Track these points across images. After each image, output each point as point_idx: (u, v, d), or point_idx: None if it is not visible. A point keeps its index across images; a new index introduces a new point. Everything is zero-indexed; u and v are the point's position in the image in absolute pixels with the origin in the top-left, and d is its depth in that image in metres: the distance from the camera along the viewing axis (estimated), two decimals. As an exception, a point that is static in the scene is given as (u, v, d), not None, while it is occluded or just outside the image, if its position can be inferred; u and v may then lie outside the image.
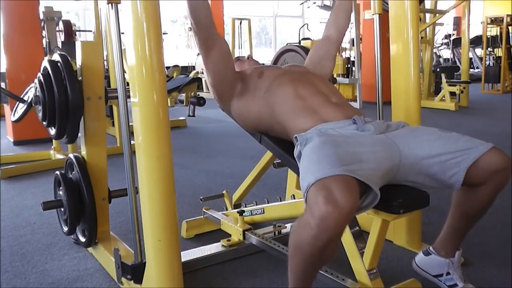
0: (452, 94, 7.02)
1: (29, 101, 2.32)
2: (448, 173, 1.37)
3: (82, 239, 2.06)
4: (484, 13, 12.05)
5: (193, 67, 8.30)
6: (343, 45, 7.18)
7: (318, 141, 1.37)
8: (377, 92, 2.11)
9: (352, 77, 6.96)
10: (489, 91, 9.29)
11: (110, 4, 1.51)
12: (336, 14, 1.93)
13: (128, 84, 1.48)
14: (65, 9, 7.69)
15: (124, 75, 1.55)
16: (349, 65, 7.11)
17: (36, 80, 1.99)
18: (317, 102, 1.58)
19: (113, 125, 4.66)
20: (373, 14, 2.11)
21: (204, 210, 2.31)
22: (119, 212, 2.50)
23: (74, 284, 1.84)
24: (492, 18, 9.36)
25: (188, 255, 1.96)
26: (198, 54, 7.22)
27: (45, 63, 1.98)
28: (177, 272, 1.51)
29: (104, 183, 2.05)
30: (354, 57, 6.94)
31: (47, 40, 5.08)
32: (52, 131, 2.03)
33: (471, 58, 10.17)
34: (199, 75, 7.07)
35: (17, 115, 2.50)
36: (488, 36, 9.32)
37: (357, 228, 1.60)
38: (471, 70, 10.38)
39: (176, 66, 5.75)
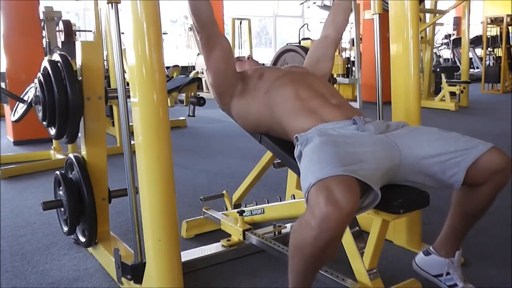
0: (452, 94, 7.02)
1: (29, 101, 2.32)
2: (448, 173, 1.37)
3: (82, 239, 2.06)
4: (484, 13, 12.04)
5: (193, 67, 8.29)
6: (343, 45, 7.19)
7: (318, 141, 1.37)
8: (377, 92, 2.11)
9: (352, 77, 6.97)
10: (489, 91, 9.30)
11: (110, 4, 1.51)
12: (334, 13, 1.93)
13: (128, 84, 1.48)
14: (65, 9, 7.69)
15: (124, 75, 1.55)
16: (349, 65, 7.11)
17: (36, 80, 1.99)
18: (317, 103, 1.58)
19: (113, 125, 4.66)
20: (373, 14, 2.11)
21: (204, 210, 2.31)
22: (119, 212, 2.50)
23: (74, 284, 1.84)
24: (492, 18, 9.36)
25: (188, 255, 1.96)
26: (198, 54, 7.21)
27: (45, 63, 1.98)
28: (177, 272, 1.51)
29: (104, 183, 2.05)
30: (354, 57, 6.95)
31: (47, 40, 5.07)
32: (52, 131, 2.03)
33: (471, 58, 10.17)
34: (199, 75, 7.06)
35: (17, 115, 2.50)
36: (488, 36, 9.32)
37: (357, 228, 1.60)
38: (471, 70, 10.38)
39: (176, 66, 5.75)
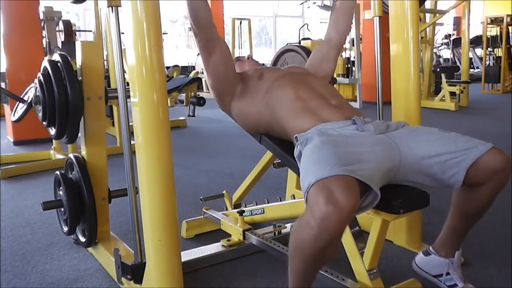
0: (452, 94, 7.02)
1: (29, 101, 2.32)
2: (448, 173, 1.37)
3: (82, 239, 2.06)
4: (484, 13, 12.05)
5: (193, 67, 8.30)
6: (343, 45, 7.18)
7: (318, 141, 1.37)
8: (377, 92, 2.11)
9: (352, 77, 6.96)
10: (489, 91, 9.29)
11: (110, 8, 1.52)
12: (336, 17, 1.93)
13: (128, 84, 1.48)
14: (65, 9, 7.67)
15: (124, 75, 1.55)
16: (349, 65, 7.10)
17: (36, 80, 1.99)
18: (317, 103, 1.58)
19: (113, 125, 4.66)
20: (373, 17, 2.11)
21: (204, 210, 2.31)
22: (119, 212, 2.50)
23: (74, 284, 1.84)
24: (492, 18, 9.36)
25: (188, 255, 1.96)
26: (198, 54, 7.22)
27: (45, 63, 1.98)
28: (177, 272, 1.51)
29: (104, 183, 2.05)
30: (354, 57, 6.94)
31: (47, 40, 5.07)
32: (52, 131, 2.03)
33: (471, 58, 10.17)
34: (199, 75, 7.06)
35: (17, 115, 2.50)
36: (488, 36, 9.32)
37: (357, 228, 1.60)
38: (471, 70, 10.38)
39: (176, 66, 5.74)
